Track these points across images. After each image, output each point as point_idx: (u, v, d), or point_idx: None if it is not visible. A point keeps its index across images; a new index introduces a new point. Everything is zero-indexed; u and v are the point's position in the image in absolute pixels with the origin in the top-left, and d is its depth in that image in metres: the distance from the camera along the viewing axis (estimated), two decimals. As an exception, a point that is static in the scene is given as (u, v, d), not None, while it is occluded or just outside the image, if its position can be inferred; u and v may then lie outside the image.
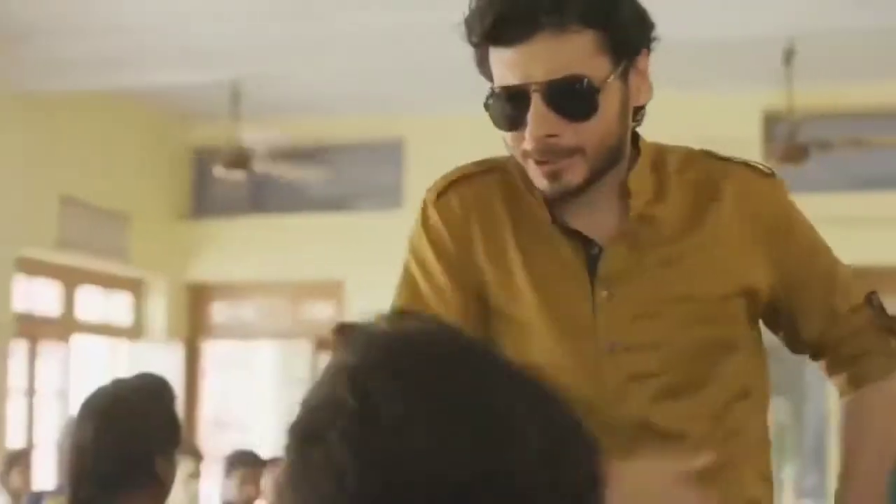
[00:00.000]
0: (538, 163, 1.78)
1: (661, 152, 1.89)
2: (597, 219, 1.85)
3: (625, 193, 1.84)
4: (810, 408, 7.97)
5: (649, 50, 1.83)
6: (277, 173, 7.90)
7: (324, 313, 9.09)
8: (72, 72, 7.33)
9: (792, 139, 6.86)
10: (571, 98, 1.74)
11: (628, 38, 1.78)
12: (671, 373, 1.83)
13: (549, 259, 1.87)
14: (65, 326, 8.50)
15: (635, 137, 1.88)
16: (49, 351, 8.40)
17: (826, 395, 6.83)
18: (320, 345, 8.92)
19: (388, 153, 8.74)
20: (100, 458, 2.35)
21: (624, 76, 1.78)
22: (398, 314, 1.12)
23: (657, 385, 1.82)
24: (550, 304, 1.87)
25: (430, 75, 7.58)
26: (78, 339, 8.65)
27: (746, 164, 1.90)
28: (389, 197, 8.76)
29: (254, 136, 7.49)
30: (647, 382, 1.82)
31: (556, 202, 1.85)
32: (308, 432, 0.96)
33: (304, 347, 9.07)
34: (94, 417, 2.39)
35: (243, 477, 6.14)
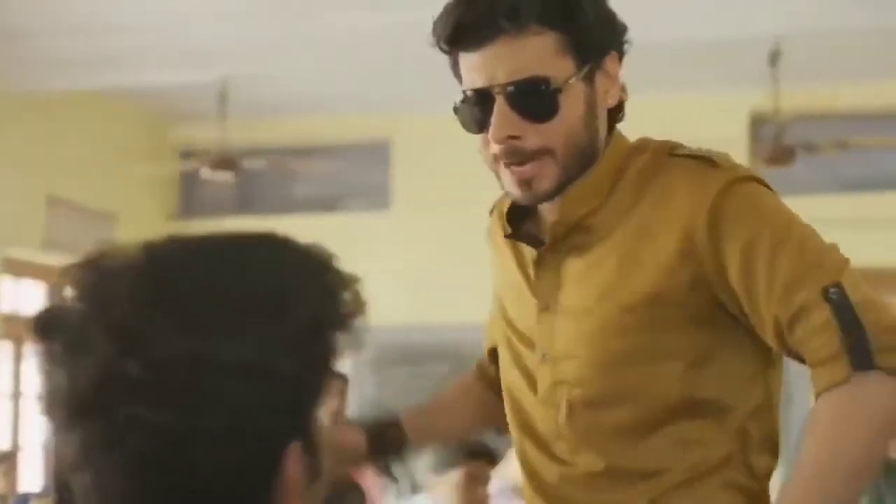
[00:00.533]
0: (509, 168, 1.79)
1: (633, 153, 1.85)
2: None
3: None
4: (795, 409, 8.01)
5: (621, 53, 1.83)
6: (264, 174, 7.88)
7: (311, 314, 9.08)
8: (58, 72, 7.31)
9: (778, 141, 6.87)
10: (532, 99, 1.75)
11: (592, 39, 1.78)
12: (587, 384, 1.81)
13: (517, 272, 1.92)
14: (51, 327, 8.47)
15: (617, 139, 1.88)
16: (35, 353, 8.35)
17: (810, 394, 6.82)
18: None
19: (375, 154, 8.73)
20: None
21: (589, 78, 1.79)
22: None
23: (576, 395, 1.82)
24: (514, 319, 1.94)
25: (416, 76, 7.57)
26: (64, 340, 8.62)
27: (693, 157, 1.80)
28: (377, 198, 8.76)
29: (241, 136, 7.48)
30: (568, 392, 1.82)
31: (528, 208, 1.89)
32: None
33: (291, 348, 9.06)
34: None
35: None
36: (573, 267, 1.83)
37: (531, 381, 1.89)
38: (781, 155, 6.76)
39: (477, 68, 1.77)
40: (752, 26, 6.54)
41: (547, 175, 1.78)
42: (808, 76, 7.41)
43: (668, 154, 1.82)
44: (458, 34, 1.77)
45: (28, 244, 7.82)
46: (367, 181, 8.80)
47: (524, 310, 1.90)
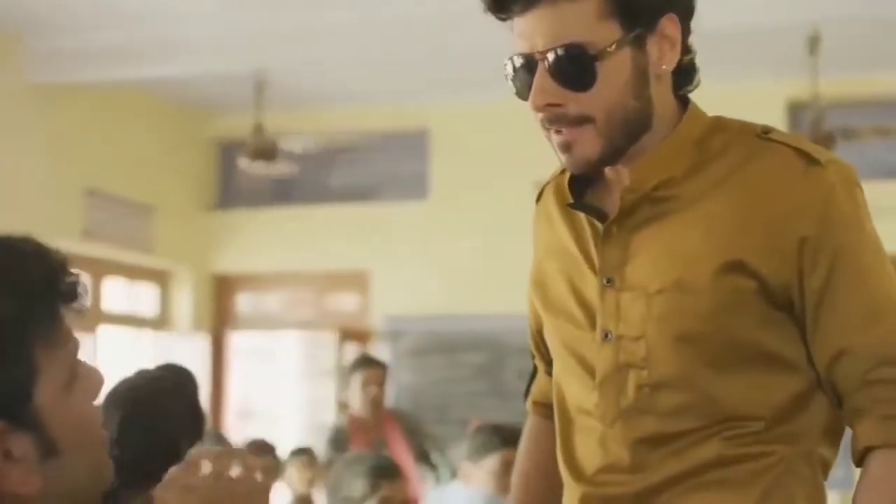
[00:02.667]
0: (552, 133, 1.75)
1: (713, 128, 1.79)
2: (616, 196, 1.81)
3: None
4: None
5: (683, 13, 1.75)
6: (302, 164, 7.90)
7: (349, 304, 9.10)
8: (97, 64, 7.35)
9: (817, 127, 6.82)
10: (570, 67, 1.69)
11: (639, 2, 1.70)
12: (655, 366, 1.73)
13: (574, 247, 1.84)
14: (91, 317, 8.53)
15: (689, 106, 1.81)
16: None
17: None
18: (345, 335, 8.93)
19: (413, 143, 8.73)
20: (124, 449, 2.35)
21: (639, 43, 1.71)
22: None
23: (643, 378, 1.74)
24: (564, 300, 1.86)
25: (455, 65, 7.57)
26: (104, 330, 8.68)
27: (792, 148, 1.75)
28: (414, 187, 8.76)
29: (278, 127, 7.50)
30: (636, 375, 1.75)
31: (588, 180, 1.84)
32: None
33: (328, 338, 9.09)
34: (118, 409, 2.40)
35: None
36: (644, 240, 1.75)
37: (584, 365, 1.81)
38: (820, 142, 6.70)
39: (521, 34, 1.73)
40: (790, 13, 6.50)
41: (587, 142, 1.73)
42: (846, 62, 7.35)
43: (757, 136, 1.77)
44: (493, 1, 1.73)
45: (68, 236, 7.87)
46: (405, 170, 8.80)
47: (581, 287, 1.82)
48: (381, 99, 8.57)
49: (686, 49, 1.78)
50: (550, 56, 1.69)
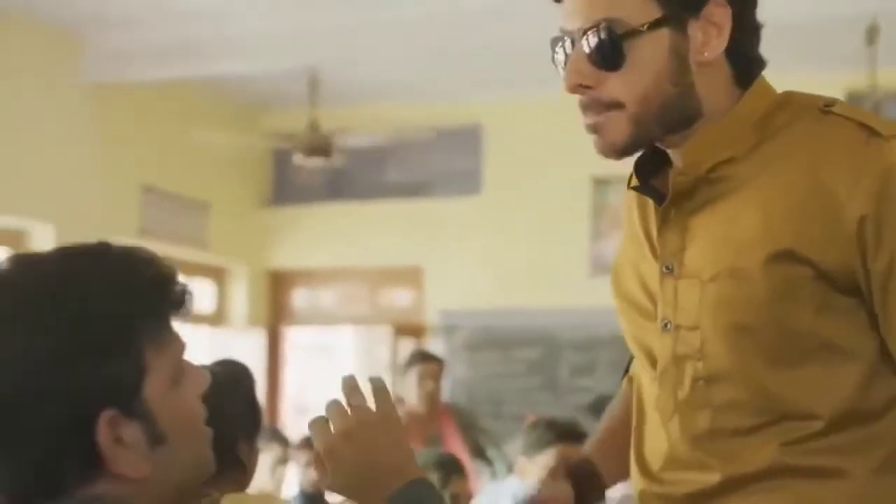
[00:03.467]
0: (585, 116, 1.69)
1: (779, 105, 1.69)
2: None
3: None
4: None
5: (736, 3, 1.66)
6: (356, 160, 7.91)
7: (403, 299, 9.11)
8: (152, 62, 7.40)
9: (875, 119, 6.76)
10: (601, 45, 1.63)
11: None
12: (710, 358, 1.65)
13: (641, 233, 1.79)
14: (148, 314, 8.60)
15: (758, 85, 1.71)
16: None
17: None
18: (399, 330, 8.95)
19: (466, 139, 8.72)
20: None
21: (679, 26, 1.63)
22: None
23: (700, 370, 1.67)
24: (633, 288, 1.80)
25: (508, 60, 7.55)
26: (161, 327, 8.74)
27: (855, 122, 1.63)
28: (468, 183, 8.75)
29: (332, 123, 7.52)
30: (692, 367, 1.68)
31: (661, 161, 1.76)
32: None
33: (383, 333, 9.11)
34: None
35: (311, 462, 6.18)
36: (702, 224, 1.67)
37: (650, 357, 1.75)
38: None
39: (564, 14, 1.68)
40: (849, 4, 6.43)
41: (615, 128, 1.66)
42: (905, 53, 7.26)
43: (819, 109, 1.67)
44: None
45: (124, 233, 7.93)
46: (458, 166, 8.80)
47: (646, 275, 1.76)
48: (434, 95, 8.56)
49: (748, 38, 1.70)
50: (585, 34, 1.64)
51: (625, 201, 1.90)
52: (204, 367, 2.59)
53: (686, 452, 1.70)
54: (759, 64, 1.73)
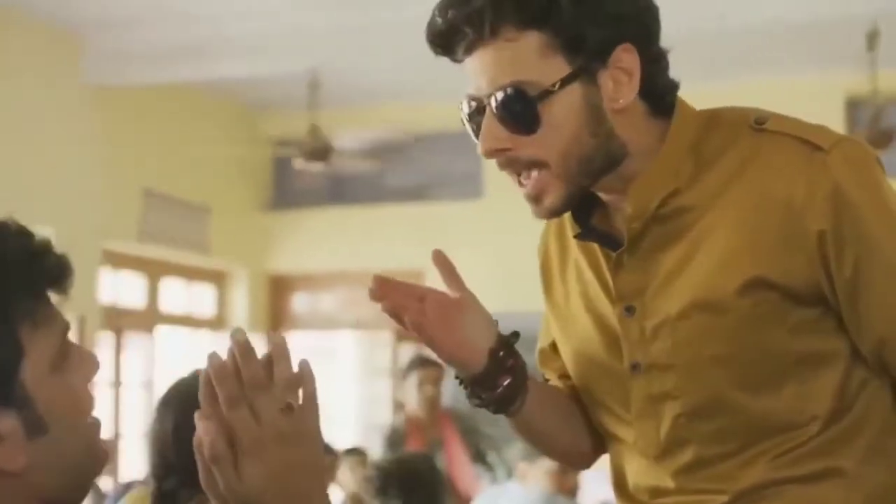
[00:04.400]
0: (520, 186, 1.67)
1: (707, 128, 1.65)
2: (620, 219, 1.70)
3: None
4: None
5: (642, 39, 1.61)
6: (355, 166, 7.91)
7: (404, 303, 9.09)
8: (151, 65, 7.40)
9: (875, 124, 6.75)
10: (514, 109, 1.60)
11: (584, 35, 1.57)
12: (688, 395, 1.64)
13: (591, 276, 1.75)
14: (149, 318, 8.60)
15: (682, 112, 1.66)
16: (134, 342, 8.50)
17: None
18: (401, 335, 8.94)
19: (467, 142, 8.68)
20: (181, 449, 2.35)
21: (589, 78, 1.59)
22: None
23: (678, 407, 1.66)
24: (594, 324, 1.75)
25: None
26: (162, 331, 8.75)
27: (793, 137, 1.60)
28: (468, 186, 8.75)
29: (332, 126, 7.52)
30: (670, 405, 1.67)
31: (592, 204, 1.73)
32: None
33: (384, 337, 9.10)
34: (174, 409, 2.40)
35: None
36: (660, 263, 1.65)
37: (616, 397, 1.73)
38: (879, 138, 6.62)
39: (470, 76, 1.64)
40: (849, 7, 6.43)
41: (550, 190, 1.63)
42: (906, 57, 7.26)
43: (751, 127, 1.63)
44: (437, 47, 1.68)
45: (125, 237, 7.94)
46: (458, 170, 8.80)
47: (602, 317, 1.73)
48: (434, 98, 8.56)
49: (657, 70, 1.64)
50: (494, 99, 1.60)
51: (543, 247, 1.88)
52: (201, 371, 2.58)
53: (678, 484, 1.70)
54: (673, 89, 1.68)
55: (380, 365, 9.18)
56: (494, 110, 1.61)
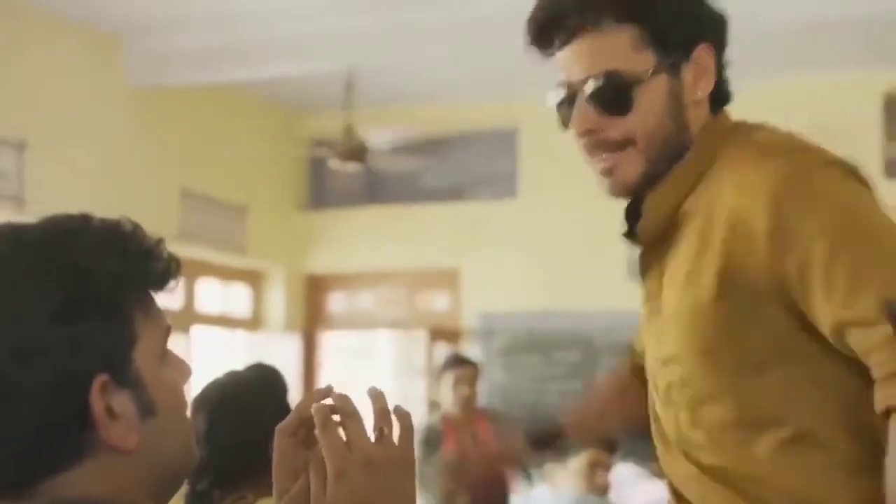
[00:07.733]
0: (595, 159, 1.85)
1: (727, 138, 1.83)
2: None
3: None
4: None
5: (716, 42, 1.84)
6: (392, 165, 7.91)
7: (440, 302, 9.11)
8: (190, 66, 7.44)
9: (916, 121, 6.69)
10: (608, 94, 1.80)
11: (673, 33, 1.81)
12: (692, 384, 1.82)
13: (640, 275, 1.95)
14: (185, 318, 8.63)
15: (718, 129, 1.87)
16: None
17: None
18: (436, 334, 8.94)
19: (503, 142, 8.71)
20: (214, 449, 2.36)
21: (674, 71, 1.82)
22: None
23: (687, 396, 1.84)
24: (641, 325, 1.99)
25: (543, 63, 7.53)
26: (198, 331, 8.78)
27: (760, 145, 1.78)
28: (504, 186, 8.74)
29: (369, 127, 7.52)
30: (681, 393, 1.85)
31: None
32: None
33: (420, 337, 9.10)
34: (208, 410, 2.41)
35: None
36: (669, 264, 1.84)
37: (655, 385, 1.93)
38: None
39: (561, 67, 1.86)
40: (889, 3, 6.37)
41: (630, 164, 1.82)
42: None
43: (745, 135, 1.84)
44: (538, 39, 1.88)
45: (164, 236, 7.97)
46: (494, 169, 8.79)
47: (644, 314, 1.94)
48: (470, 98, 8.56)
49: (721, 78, 1.86)
50: (590, 84, 1.81)
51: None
52: (235, 371, 2.59)
53: (692, 462, 1.85)
54: (729, 97, 1.90)
55: (415, 364, 9.17)
56: (590, 94, 1.82)
